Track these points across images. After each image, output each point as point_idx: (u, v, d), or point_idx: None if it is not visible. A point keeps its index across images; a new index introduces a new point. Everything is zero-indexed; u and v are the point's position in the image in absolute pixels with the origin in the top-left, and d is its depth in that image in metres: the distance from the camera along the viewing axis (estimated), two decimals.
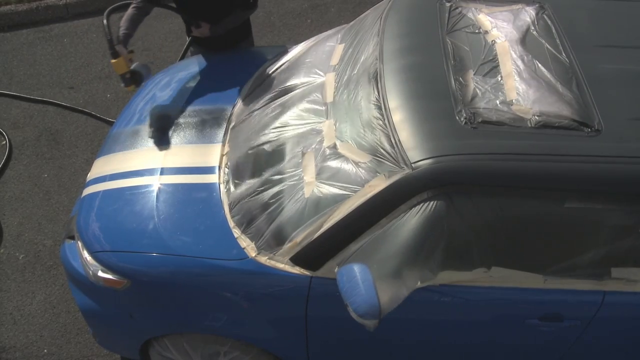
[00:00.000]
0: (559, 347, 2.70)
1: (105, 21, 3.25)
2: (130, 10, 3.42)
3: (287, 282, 2.53)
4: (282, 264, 2.53)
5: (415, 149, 2.30)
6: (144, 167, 2.98)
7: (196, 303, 2.65)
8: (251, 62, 3.58)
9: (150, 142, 3.11)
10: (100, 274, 2.74)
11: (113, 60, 3.27)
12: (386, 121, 2.45)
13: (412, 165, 2.27)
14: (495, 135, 2.28)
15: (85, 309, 2.91)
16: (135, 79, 3.36)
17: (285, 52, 3.55)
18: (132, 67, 3.34)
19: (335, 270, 2.41)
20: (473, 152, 2.24)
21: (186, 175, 2.91)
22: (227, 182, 2.84)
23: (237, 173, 2.83)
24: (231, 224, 2.68)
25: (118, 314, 2.82)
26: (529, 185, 2.23)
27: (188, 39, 3.76)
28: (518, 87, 2.46)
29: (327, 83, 2.94)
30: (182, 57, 3.78)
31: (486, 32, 2.76)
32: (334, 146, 2.58)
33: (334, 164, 2.52)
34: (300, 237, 2.47)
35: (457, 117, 2.35)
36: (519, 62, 2.58)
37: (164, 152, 3.03)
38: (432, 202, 2.26)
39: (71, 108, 4.97)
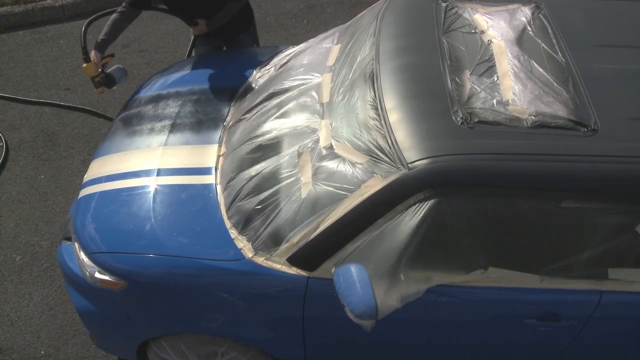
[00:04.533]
0: (556, 347, 2.70)
1: (83, 28, 3.46)
2: (113, 16, 3.51)
3: (284, 283, 2.53)
4: (279, 265, 2.52)
5: (411, 149, 2.30)
6: (141, 168, 2.97)
7: (193, 304, 2.65)
8: (247, 62, 3.58)
9: (146, 143, 3.11)
10: (97, 275, 2.73)
11: (84, 65, 3.46)
12: (382, 121, 2.45)
13: (409, 165, 2.27)
14: (492, 135, 2.28)
15: (82, 311, 2.91)
16: (107, 82, 3.54)
17: (281, 52, 3.55)
18: (108, 70, 3.53)
19: (332, 270, 2.41)
20: (469, 152, 2.24)
21: (183, 176, 2.90)
22: (224, 182, 2.84)
23: (234, 174, 2.83)
24: (228, 224, 2.68)
25: (115, 316, 2.81)
26: (525, 185, 2.23)
27: (192, 37, 3.88)
28: (514, 87, 2.47)
29: (323, 83, 2.94)
30: (189, 54, 3.94)
31: (482, 32, 2.77)
32: (330, 146, 2.58)
33: (330, 164, 2.52)
34: (297, 238, 2.47)
35: (453, 117, 2.35)
36: (515, 62, 2.58)
37: (160, 153, 3.03)
38: (428, 202, 2.25)
39: (69, 107, 4.97)
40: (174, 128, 3.16)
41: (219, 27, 3.67)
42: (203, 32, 3.69)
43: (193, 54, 4.07)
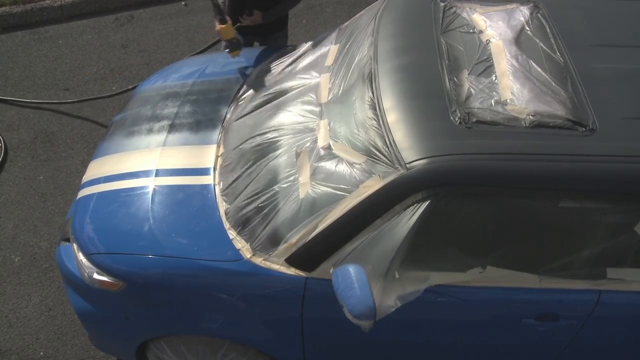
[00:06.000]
0: (555, 347, 2.70)
1: None
2: None
3: (283, 283, 2.53)
4: (278, 265, 2.52)
5: (409, 149, 2.29)
6: (139, 168, 2.97)
7: (192, 305, 2.65)
8: (246, 63, 3.58)
9: (145, 144, 3.11)
10: (96, 276, 2.73)
11: (222, 26, 3.48)
12: (381, 121, 2.45)
13: (407, 165, 2.26)
14: (490, 135, 2.28)
15: (80, 311, 2.91)
16: (238, 45, 3.57)
17: (280, 53, 3.55)
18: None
19: (331, 271, 2.41)
20: (467, 152, 2.24)
21: (181, 176, 2.90)
22: (222, 183, 2.84)
23: (232, 174, 2.83)
24: (226, 225, 2.67)
25: (114, 316, 2.81)
26: (523, 185, 2.23)
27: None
28: (512, 87, 2.46)
29: (321, 83, 2.94)
30: (211, 45, 3.90)
31: (480, 31, 2.76)
32: (329, 147, 2.58)
33: (328, 164, 2.52)
34: (295, 238, 2.47)
35: (451, 117, 2.35)
36: (514, 62, 2.58)
37: (159, 153, 3.02)
38: (426, 203, 2.25)
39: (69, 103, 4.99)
40: (172, 128, 3.16)
41: (272, 20, 3.73)
42: (256, 23, 3.73)
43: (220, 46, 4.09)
